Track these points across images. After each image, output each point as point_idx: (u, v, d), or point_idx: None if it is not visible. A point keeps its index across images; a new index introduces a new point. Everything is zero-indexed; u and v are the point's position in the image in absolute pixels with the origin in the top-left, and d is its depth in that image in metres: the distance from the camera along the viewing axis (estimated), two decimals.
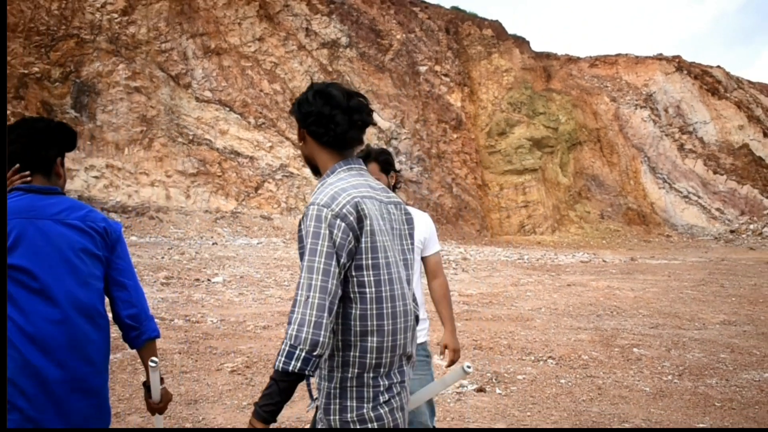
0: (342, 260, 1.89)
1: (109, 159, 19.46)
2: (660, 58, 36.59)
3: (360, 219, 1.92)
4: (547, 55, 35.15)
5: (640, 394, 5.69)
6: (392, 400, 2.01)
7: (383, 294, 1.97)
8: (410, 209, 3.34)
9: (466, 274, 14.55)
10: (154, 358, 2.29)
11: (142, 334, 2.25)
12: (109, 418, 2.26)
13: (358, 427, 1.95)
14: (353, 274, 1.93)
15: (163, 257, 13.83)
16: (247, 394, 5.26)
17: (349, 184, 2.00)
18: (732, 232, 30.67)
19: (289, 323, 1.85)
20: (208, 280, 11.35)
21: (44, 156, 2.21)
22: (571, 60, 35.97)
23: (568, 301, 10.85)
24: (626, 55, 36.74)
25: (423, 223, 3.29)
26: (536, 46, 34.40)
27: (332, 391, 1.97)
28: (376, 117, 25.78)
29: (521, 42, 32.98)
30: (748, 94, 36.75)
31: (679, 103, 35.45)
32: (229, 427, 4.56)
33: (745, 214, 32.88)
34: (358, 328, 1.95)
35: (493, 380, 5.94)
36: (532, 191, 29.06)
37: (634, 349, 7.32)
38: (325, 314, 1.84)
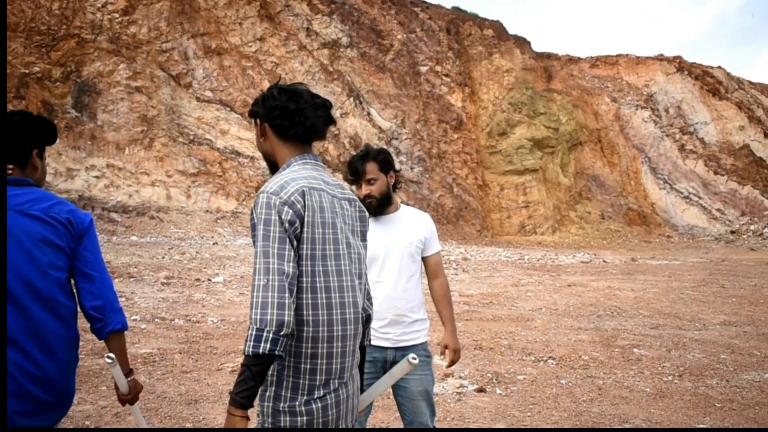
0: (294, 243, 1.94)
1: (109, 159, 19.47)
2: (661, 58, 36.60)
3: (305, 207, 1.98)
4: (548, 56, 35.16)
5: (640, 394, 5.69)
6: (327, 396, 2.01)
7: (318, 285, 1.99)
8: (411, 209, 3.36)
9: (467, 274, 14.55)
10: (110, 354, 2.32)
11: (106, 326, 2.27)
12: (70, 401, 2.30)
13: (288, 419, 1.96)
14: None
15: (163, 257, 13.85)
16: None
17: (300, 175, 2.06)
18: (733, 232, 30.67)
19: (252, 308, 1.87)
20: (209, 279, 11.36)
21: (18, 148, 2.26)
22: (571, 60, 35.98)
23: (569, 302, 10.85)
24: (627, 55, 36.76)
25: (423, 224, 3.30)
26: (537, 47, 34.44)
27: (269, 378, 1.98)
28: (376, 117, 25.82)
29: (522, 42, 32.99)
30: (749, 95, 36.75)
31: (680, 104, 35.46)
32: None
33: (746, 214, 32.89)
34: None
35: (494, 380, 5.95)
36: (532, 191, 29.07)
37: (635, 350, 7.32)
38: (286, 295, 1.88)
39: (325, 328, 2.01)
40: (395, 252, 3.18)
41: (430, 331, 3.34)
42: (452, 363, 3.35)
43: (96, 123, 19.61)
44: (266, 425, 1.99)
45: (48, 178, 18.12)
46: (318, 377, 1.99)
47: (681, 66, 36.31)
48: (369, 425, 3.39)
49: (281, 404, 1.97)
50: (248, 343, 1.85)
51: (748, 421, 5.04)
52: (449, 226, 25.13)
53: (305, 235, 1.97)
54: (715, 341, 7.93)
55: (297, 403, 1.97)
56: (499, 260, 18.28)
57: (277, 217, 1.93)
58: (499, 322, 8.90)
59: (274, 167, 2.19)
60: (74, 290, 2.27)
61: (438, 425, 3.28)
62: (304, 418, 1.97)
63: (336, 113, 24.68)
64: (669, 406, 5.36)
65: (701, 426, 4.86)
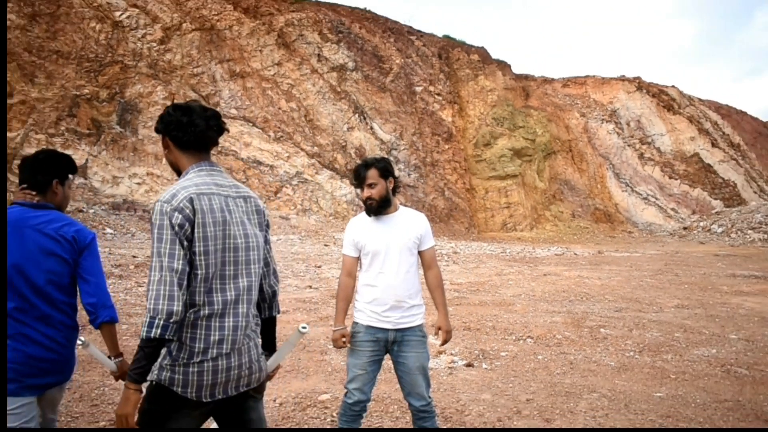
0: (184, 244, 1.98)
1: (149, 168, 19.49)
2: (623, 79, 36.54)
3: (194, 212, 2.01)
4: (526, 77, 35.11)
5: (606, 368, 5.69)
6: (205, 363, 2.03)
7: (210, 274, 2.03)
8: (408, 210, 3.36)
9: (457, 265, 14.55)
10: (81, 338, 2.62)
11: (97, 318, 2.49)
12: (70, 369, 2.56)
13: (167, 374, 2.01)
14: (192, 257, 2.02)
15: None
16: None
17: (191, 183, 2.08)
18: (685, 228, 30.63)
19: (147, 299, 1.94)
20: None
21: (41, 180, 2.56)
22: (546, 81, 35.93)
23: (544, 289, 10.85)
24: (594, 76, 36.70)
25: (419, 222, 3.30)
26: (516, 69, 34.32)
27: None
28: (377, 130, 25.81)
29: (503, 65, 32.94)
30: (699, 110, 36.70)
31: (639, 118, 35.42)
32: None
33: (696, 213, 32.86)
34: (187, 301, 2.02)
35: (480, 357, 5.96)
36: (513, 194, 29.04)
37: (601, 330, 7.33)
38: (176, 288, 1.94)
39: (215, 308, 2.05)
40: (395, 247, 3.18)
41: (425, 314, 3.35)
42: (445, 342, 3.36)
43: (137, 137, 19.62)
44: (153, 376, 2.04)
45: (96, 184, 18.18)
46: (197, 345, 2.02)
47: (640, 85, 36.26)
48: (373, 396, 3.39)
49: (165, 361, 2.03)
50: (143, 328, 1.92)
51: (699, 390, 5.05)
52: (441, 224, 25.11)
53: (197, 235, 2.01)
54: (670, 322, 7.93)
55: (177, 363, 2.01)
56: (484, 253, 18.28)
57: (168, 222, 1.97)
58: (484, 306, 8.90)
59: (179, 174, 2.22)
60: (76, 290, 2.55)
61: (432, 395, 3.29)
62: (180, 376, 2.01)
63: (343, 128, 24.74)
64: (630, 378, 5.37)
65: (659, 395, 4.87)
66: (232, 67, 22.71)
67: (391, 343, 3.18)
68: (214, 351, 2.04)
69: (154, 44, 20.99)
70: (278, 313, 2.45)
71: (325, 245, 17.32)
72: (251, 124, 22.33)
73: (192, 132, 2.13)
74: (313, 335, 6.55)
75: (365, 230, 3.23)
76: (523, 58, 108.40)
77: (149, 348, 1.92)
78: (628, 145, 34.55)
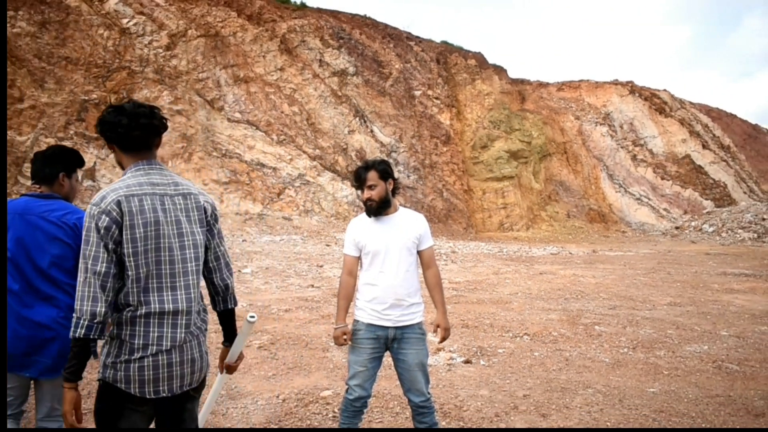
0: (110, 246, 1.95)
1: None
2: (616, 83, 36.52)
3: (122, 214, 1.97)
4: (522, 81, 35.09)
5: (600, 364, 5.68)
6: (145, 359, 2.01)
7: (141, 274, 2.00)
8: (407, 210, 3.35)
9: (455, 264, 14.54)
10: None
11: None
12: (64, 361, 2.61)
13: (110, 372, 2.00)
14: (122, 258, 1.99)
15: None
16: (272, 366, 5.27)
17: (123, 184, 2.04)
18: (677, 228, 30.60)
19: (75, 300, 1.94)
20: (239, 271, 11.36)
21: (48, 172, 2.70)
22: (541, 85, 35.92)
23: (540, 287, 10.83)
24: (587, 80, 36.68)
25: (418, 223, 3.30)
26: (513, 74, 34.31)
27: (108, 338, 2.04)
28: (378, 133, 25.78)
29: (500, 70, 32.93)
30: (690, 113, 36.68)
31: (632, 121, 35.39)
32: (257, 392, 4.56)
33: (688, 213, 32.82)
34: (122, 300, 2.01)
35: (478, 353, 5.94)
36: (509, 195, 29.03)
37: (596, 327, 7.31)
38: (99, 290, 1.92)
39: (152, 306, 2.02)
40: (395, 247, 3.18)
41: (424, 312, 3.34)
42: (443, 339, 3.35)
43: None
44: (99, 375, 2.03)
45: (104, 186, 18.13)
46: (137, 342, 2.00)
47: (633, 89, 36.23)
48: (373, 392, 3.39)
49: (108, 360, 2.01)
50: (71, 329, 1.93)
51: (691, 385, 5.03)
52: (440, 224, 25.10)
53: (125, 237, 1.97)
54: (663, 319, 7.92)
55: (120, 360, 1.99)
56: (481, 253, 18.26)
57: (94, 225, 1.95)
58: (482, 304, 8.89)
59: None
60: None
61: (431, 391, 3.27)
62: (122, 373, 1.99)
63: (344, 131, 24.72)
64: (624, 374, 5.35)
65: (652, 390, 4.86)
66: (236, 73, 22.70)
67: (391, 341, 3.17)
68: (154, 347, 2.01)
69: (161, 50, 20.98)
70: (234, 305, 2.41)
71: (327, 245, 17.31)
72: (255, 128, 22.32)
73: (120, 132, 2.07)
74: (315, 333, 6.54)
75: (366, 230, 3.23)
76: (519, 63, 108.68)
77: (77, 347, 1.93)
78: (622, 147, 34.53)
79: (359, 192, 3.26)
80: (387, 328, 3.15)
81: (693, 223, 30.44)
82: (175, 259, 2.07)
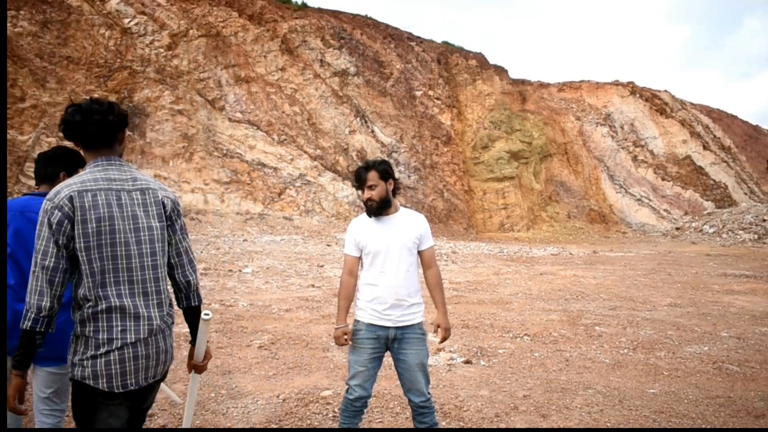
0: (61, 242, 1.97)
1: (156, 170, 19.48)
2: (616, 83, 36.52)
3: (74, 209, 1.98)
4: (522, 82, 35.10)
5: (600, 365, 5.68)
6: (111, 354, 2.01)
7: (96, 270, 2.00)
8: (408, 211, 3.35)
9: (456, 265, 14.54)
10: None
11: None
12: (66, 340, 2.59)
13: (78, 370, 2.01)
14: (76, 254, 2.00)
15: (201, 252, 13.86)
16: (272, 366, 5.26)
17: (78, 180, 2.05)
18: (677, 229, 30.59)
19: (26, 293, 1.97)
20: (240, 270, 11.36)
21: (49, 172, 2.75)
22: (542, 85, 35.92)
23: (541, 288, 10.82)
24: (588, 81, 36.68)
25: (419, 223, 3.29)
26: (513, 74, 34.32)
27: (73, 336, 2.06)
28: (378, 133, 25.78)
29: (501, 70, 32.93)
30: (690, 114, 36.67)
31: (633, 122, 35.39)
32: (257, 392, 4.56)
33: (688, 214, 32.81)
34: (80, 296, 2.02)
35: (478, 354, 5.94)
36: (510, 195, 29.02)
37: (596, 327, 7.31)
38: (46, 285, 1.95)
39: (111, 301, 2.01)
40: (395, 247, 3.17)
41: (425, 312, 3.34)
42: (444, 339, 3.35)
43: (145, 140, 19.62)
44: (71, 374, 2.04)
45: None
46: (101, 336, 2.00)
47: (633, 90, 36.23)
48: (373, 392, 3.39)
49: (75, 357, 2.03)
50: (21, 320, 1.96)
51: (691, 386, 5.03)
52: (440, 224, 25.10)
53: (77, 232, 1.98)
54: (663, 320, 7.91)
55: (85, 357, 2.01)
56: (482, 253, 18.26)
57: (46, 220, 1.97)
58: (482, 305, 8.88)
59: None
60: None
61: (432, 391, 3.27)
62: (89, 369, 2.00)
63: (345, 131, 24.72)
64: (625, 375, 5.35)
65: (652, 391, 4.85)
66: (237, 72, 22.71)
67: (391, 341, 3.17)
68: (119, 341, 2.02)
69: (162, 50, 20.99)
70: (198, 302, 2.37)
71: (328, 245, 17.31)
72: (256, 128, 22.33)
73: (75, 129, 2.09)
74: (315, 333, 6.54)
75: (366, 231, 3.22)
76: (519, 64, 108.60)
77: (24, 338, 1.97)
78: (622, 148, 34.53)
79: (360, 192, 3.25)
80: (387, 328, 3.15)
81: (693, 224, 30.42)
82: (131, 254, 2.07)
